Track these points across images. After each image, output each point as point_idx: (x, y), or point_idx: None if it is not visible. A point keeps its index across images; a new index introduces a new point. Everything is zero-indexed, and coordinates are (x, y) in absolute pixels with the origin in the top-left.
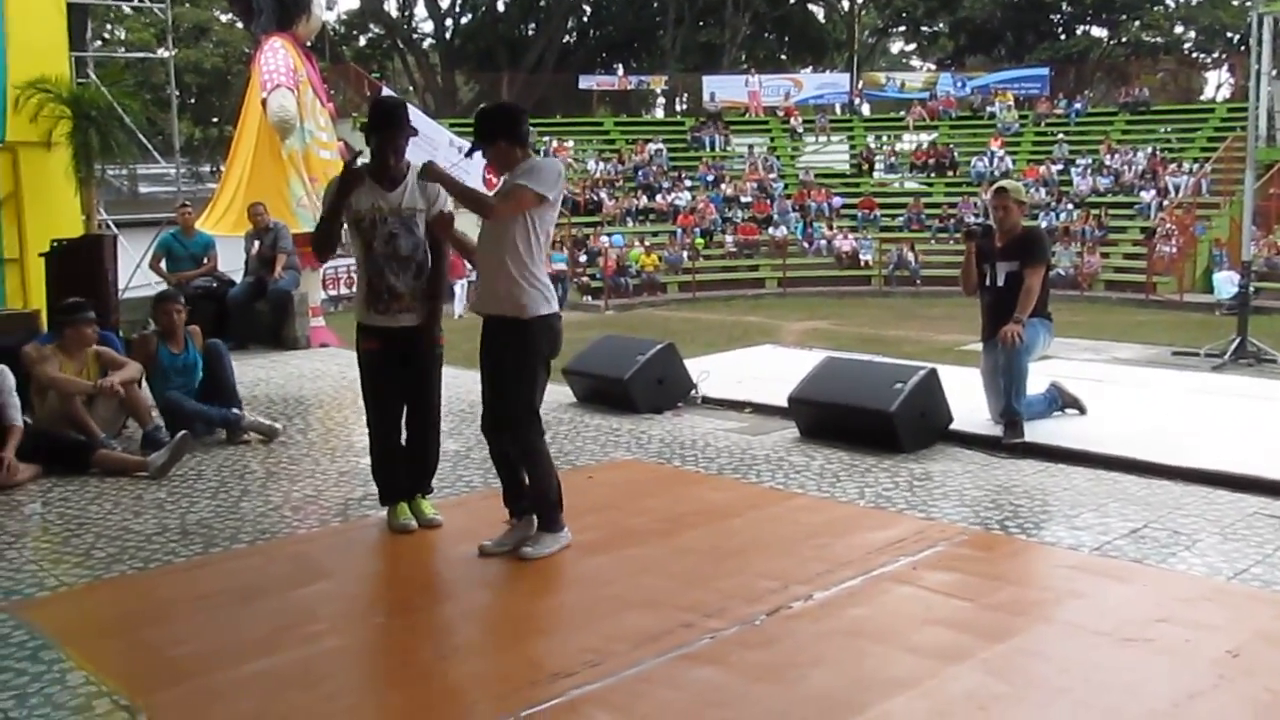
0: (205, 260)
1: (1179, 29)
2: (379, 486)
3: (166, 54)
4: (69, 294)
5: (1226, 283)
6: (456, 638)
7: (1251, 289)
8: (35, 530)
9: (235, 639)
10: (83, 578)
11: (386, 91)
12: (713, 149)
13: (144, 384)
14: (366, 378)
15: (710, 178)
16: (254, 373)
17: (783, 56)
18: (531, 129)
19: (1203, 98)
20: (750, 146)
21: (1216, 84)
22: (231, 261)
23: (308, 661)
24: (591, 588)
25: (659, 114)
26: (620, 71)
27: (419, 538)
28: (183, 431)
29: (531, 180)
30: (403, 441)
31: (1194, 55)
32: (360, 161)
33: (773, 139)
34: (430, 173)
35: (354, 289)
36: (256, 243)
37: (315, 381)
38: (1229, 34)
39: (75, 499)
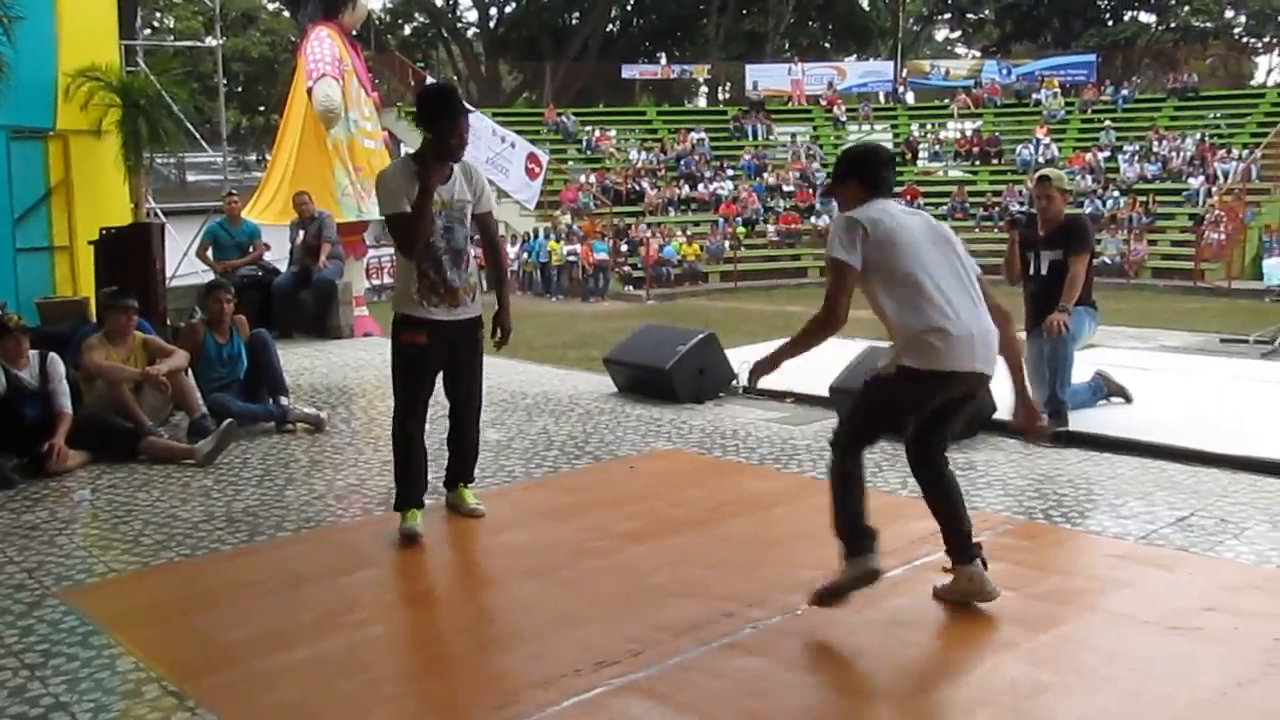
0: (251, 249)
1: (1229, 13)
2: (401, 489)
3: (214, 42)
4: (117, 282)
5: (1277, 269)
6: (498, 627)
7: None
8: (84, 517)
9: (281, 626)
10: (131, 564)
11: (430, 80)
12: (755, 138)
13: (189, 372)
14: (409, 371)
15: (753, 167)
16: (298, 361)
17: (826, 45)
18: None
19: (1253, 83)
20: (793, 135)
21: (1267, 69)
22: (277, 250)
23: (353, 649)
24: (634, 577)
25: (701, 103)
26: (663, 60)
27: (462, 526)
28: (228, 419)
29: (831, 249)
30: (445, 433)
31: (1244, 40)
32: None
33: (815, 128)
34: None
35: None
36: (301, 232)
37: (359, 371)
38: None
39: (123, 486)
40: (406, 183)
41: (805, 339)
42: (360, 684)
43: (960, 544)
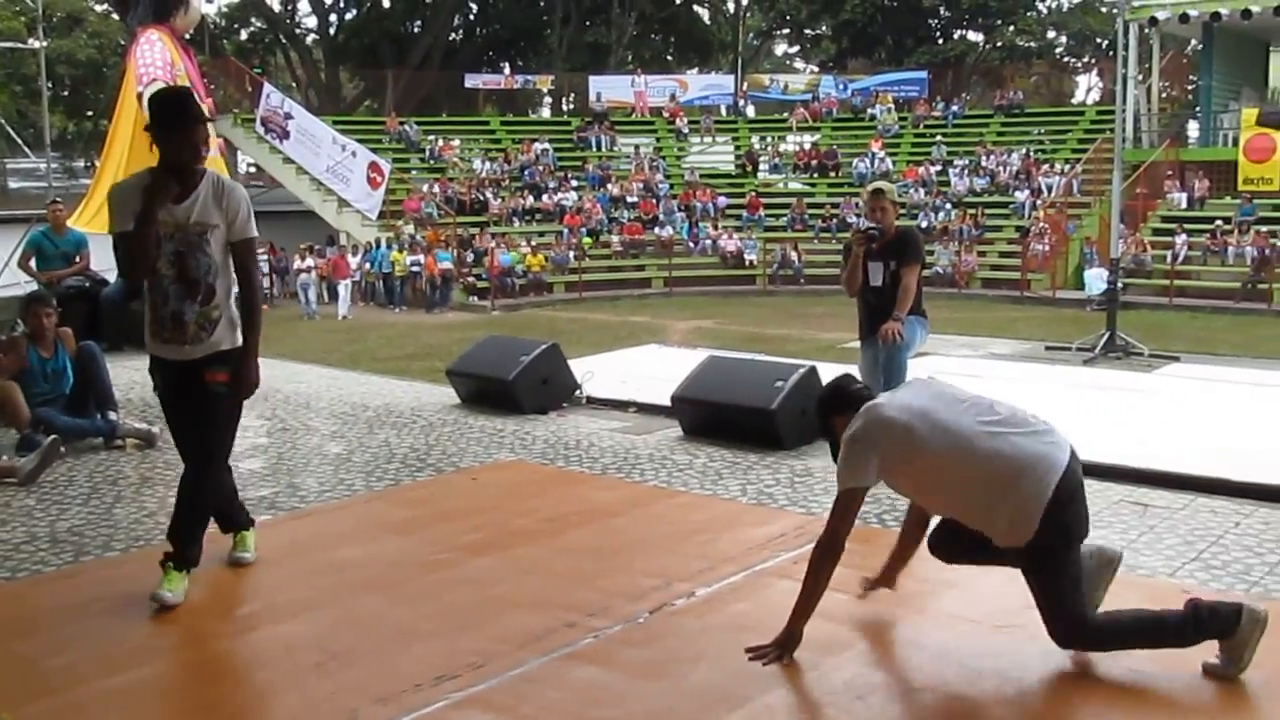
0: (77, 259)
1: (1051, 34)
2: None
3: (37, 44)
4: None
5: (1097, 279)
6: (336, 644)
7: (1120, 285)
8: None
9: (107, 650)
10: None
11: (267, 88)
12: (599, 149)
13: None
14: (164, 410)
15: (597, 178)
16: (129, 375)
17: (669, 57)
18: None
19: (1073, 101)
20: (636, 147)
21: (1087, 87)
22: (105, 260)
23: (182, 672)
24: (476, 589)
25: (545, 114)
26: (506, 70)
27: (301, 542)
28: (52, 436)
29: (840, 477)
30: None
31: (1065, 60)
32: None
33: (658, 139)
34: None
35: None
36: None
37: None
38: (1098, 39)
39: None
40: (136, 199)
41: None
42: (192, 709)
43: None
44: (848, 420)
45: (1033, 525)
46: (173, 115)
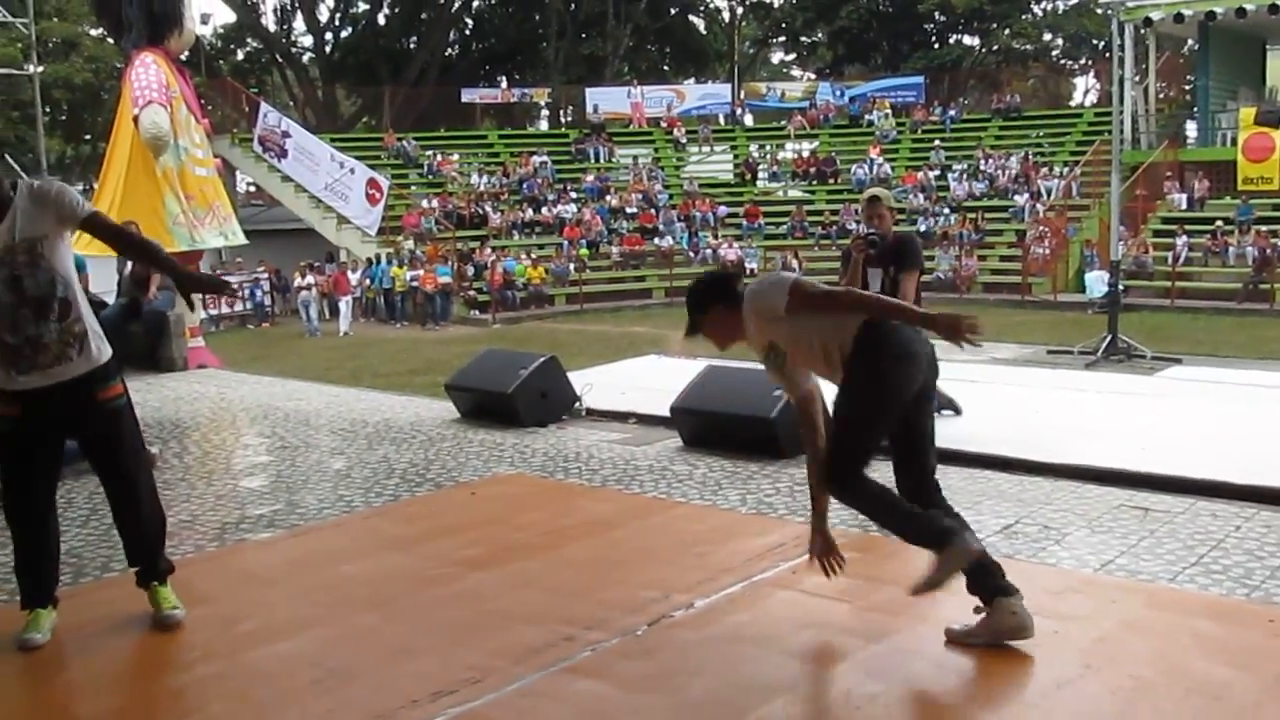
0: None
1: (1047, 36)
2: (23, 587)
3: (33, 69)
4: None
5: (1097, 282)
6: (334, 661)
7: (1120, 288)
8: None
9: (104, 672)
10: None
11: (265, 108)
12: (597, 161)
13: None
14: (4, 454)
15: (596, 189)
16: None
17: (665, 68)
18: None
19: (1071, 103)
20: (635, 158)
21: (1084, 90)
22: (104, 283)
23: (182, 690)
24: (474, 603)
25: (543, 126)
26: (503, 84)
27: (300, 559)
28: None
29: (776, 292)
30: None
31: (1062, 62)
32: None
33: (657, 150)
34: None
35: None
36: (130, 263)
37: (193, 404)
38: (1094, 41)
39: None
40: None
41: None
42: None
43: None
44: (721, 313)
45: (847, 345)
46: None
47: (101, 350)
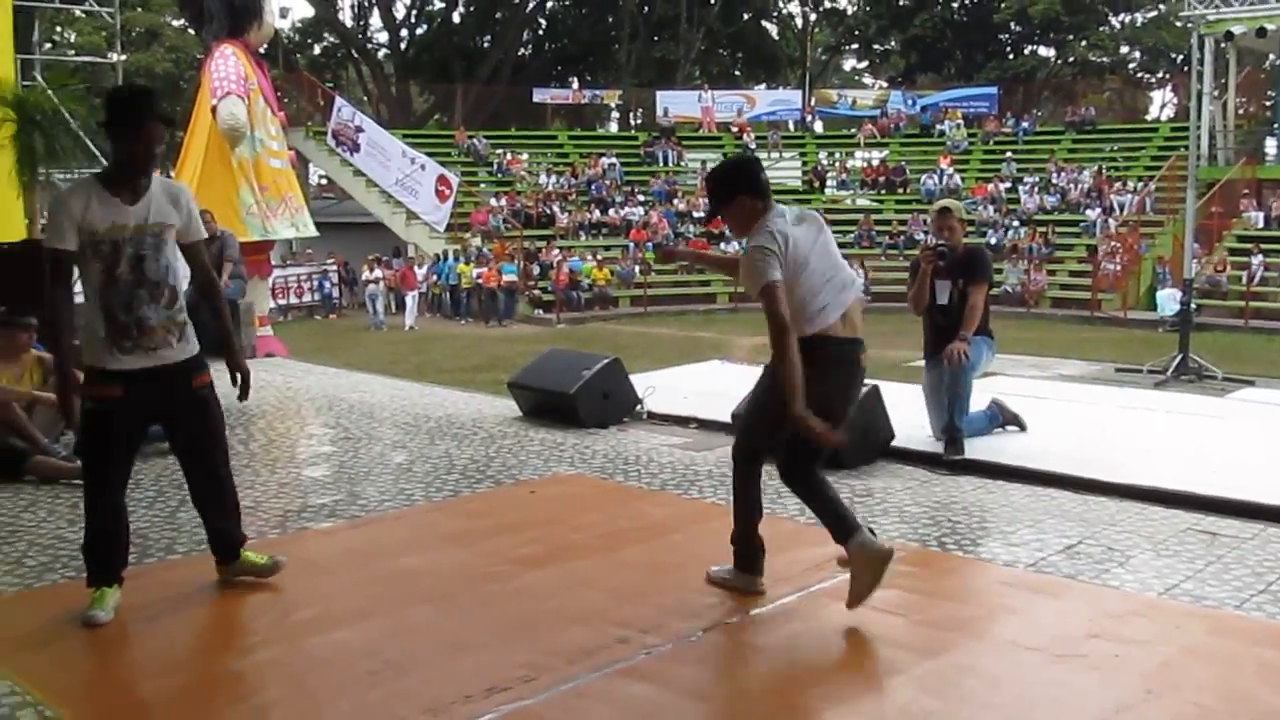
0: None
1: (1124, 49)
2: (90, 566)
3: (116, 58)
4: (10, 298)
5: (1169, 300)
6: (390, 652)
7: (1193, 306)
8: None
9: (166, 651)
10: (13, 586)
11: (339, 102)
12: (666, 164)
13: None
14: (95, 433)
15: (663, 192)
16: None
17: (736, 73)
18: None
19: (1147, 117)
20: (703, 162)
21: (1161, 104)
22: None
23: (240, 675)
24: (530, 601)
25: (613, 128)
26: (575, 85)
27: (359, 551)
28: None
29: (754, 273)
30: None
31: (1139, 75)
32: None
33: (725, 154)
34: (665, 254)
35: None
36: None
37: (259, 392)
38: (1173, 54)
39: (8, 506)
40: (80, 210)
41: (785, 357)
42: (244, 712)
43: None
44: (746, 203)
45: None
46: (132, 109)
47: (195, 342)
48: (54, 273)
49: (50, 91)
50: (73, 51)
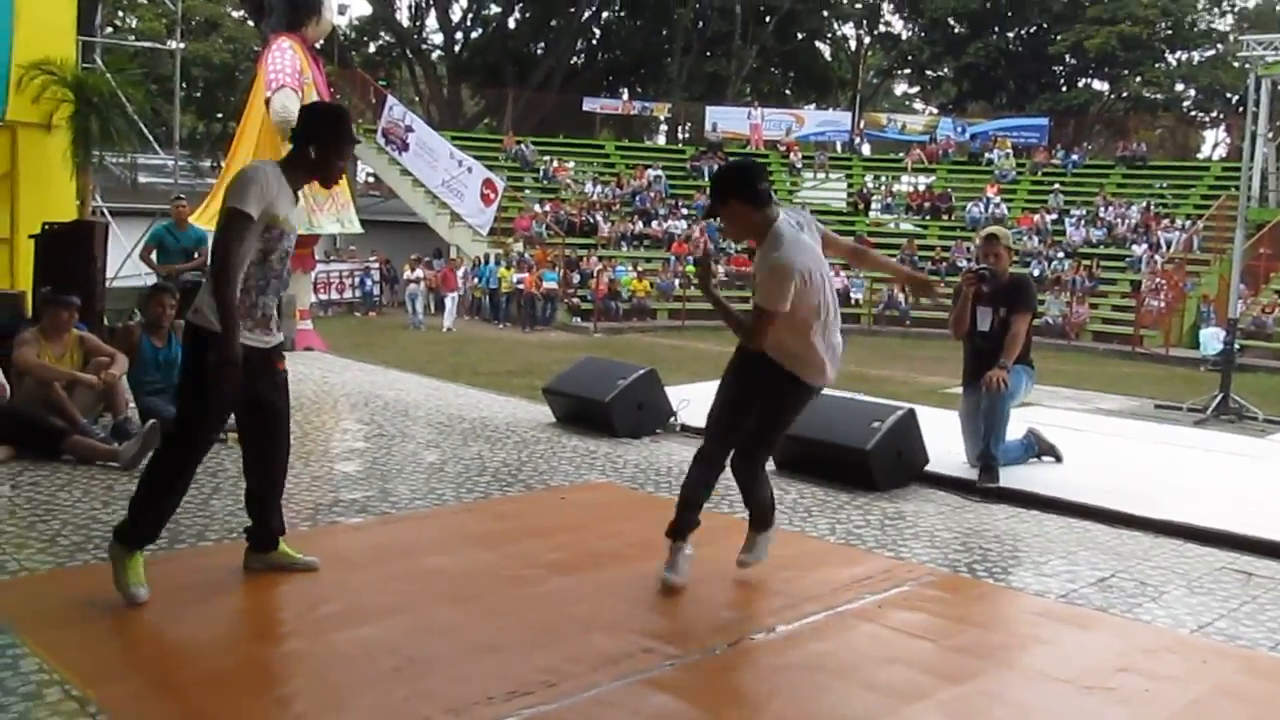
0: (196, 255)
1: (1179, 87)
2: (140, 529)
3: (175, 46)
4: (55, 278)
5: (1213, 339)
6: (414, 650)
7: (1236, 346)
8: (2, 513)
9: (194, 636)
10: (46, 564)
11: (391, 101)
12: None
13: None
14: (208, 398)
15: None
16: None
17: (787, 91)
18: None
19: (1199, 156)
20: None
21: (1213, 143)
22: None
23: (264, 665)
24: (556, 607)
25: (660, 141)
26: (625, 96)
27: (388, 549)
28: (151, 420)
29: (767, 296)
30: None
31: (1192, 113)
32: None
33: (771, 173)
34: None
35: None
36: None
37: (296, 385)
38: (1228, 94)
39: (45, 484)
40: (275, 190)
41: (742, 334)
42: (268, 702)
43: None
44: (738, 208)
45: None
46: (348, 128)
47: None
48: (239, 232)
49: (109, 75)
50: (133, 36)
